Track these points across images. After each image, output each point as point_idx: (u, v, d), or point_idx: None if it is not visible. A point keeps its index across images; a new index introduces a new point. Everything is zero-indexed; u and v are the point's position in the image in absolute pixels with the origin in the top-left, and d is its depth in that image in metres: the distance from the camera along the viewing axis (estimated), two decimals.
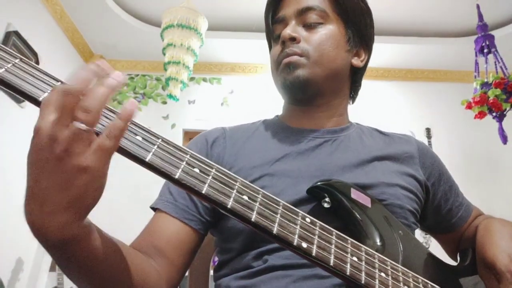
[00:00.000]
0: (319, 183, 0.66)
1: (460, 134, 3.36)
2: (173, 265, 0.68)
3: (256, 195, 0.49)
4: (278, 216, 0.49)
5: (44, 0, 2.86)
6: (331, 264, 0.49)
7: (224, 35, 3.34)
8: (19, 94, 0.43)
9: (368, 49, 0.89)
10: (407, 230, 0.69)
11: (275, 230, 0.47)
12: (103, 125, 0.43)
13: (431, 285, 0.60)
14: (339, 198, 0.65)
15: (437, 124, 3.40)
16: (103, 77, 0.43)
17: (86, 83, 0.42)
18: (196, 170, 0.47)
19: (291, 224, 0.49)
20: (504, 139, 2.53)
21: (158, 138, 0.47)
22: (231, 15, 3.25)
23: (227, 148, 0.79)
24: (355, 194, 0.66)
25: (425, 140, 3.29)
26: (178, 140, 3.39)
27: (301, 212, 0.52)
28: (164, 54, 2.65)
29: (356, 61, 0.86)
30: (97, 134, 0.42)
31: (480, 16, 2.64)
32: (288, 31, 0.80)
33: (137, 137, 0.45)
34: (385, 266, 0.55)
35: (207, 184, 0.46)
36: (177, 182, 0.45)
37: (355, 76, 0.88)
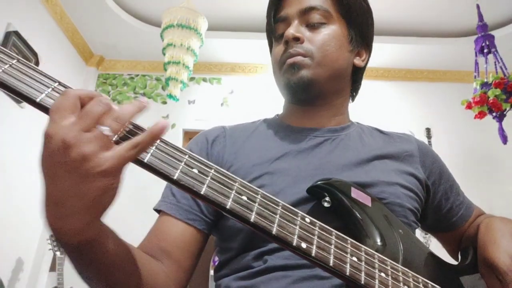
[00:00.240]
0: (319, 182, 0.66)
1: (460, 134, 3.36)
2: (181, 266, 0.69)
3: (255, 195, 0.49)
4: (277, 216, 0.49)
5: (44, 0, 2.86)
6: (331, 264, 0.49)
7: (224, 35, 3.34)
8: (16, 95, 0.43)
9: (369, 49, 0.89)
10: (407, 229, 0.69)
11: (274, 231, 0.47)
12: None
13: (431, 284, 0.60)
14: (339, 197, 0.65)
15: (437, 124, 3.39)
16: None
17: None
18: (195, 170, 0.46)
19: (290, 224, 0.49)
20: (504, 139, 2.53)
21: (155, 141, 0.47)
22: (231, 15, 3.24)
23: (227, 147, 0.79)
24: (355, 193, 0.66)
25: (425, 140, 3.29)
26: (178, 140, 3.39)
27: (300, 212, 0.52)
28: (164, 54, 2.65)
29: (358, 61, 0.86)
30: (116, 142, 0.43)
31: (480, 16, 2.64)
32: (291, 31, 0.79)
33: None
34: (385, 266, 0.55)
35: (205, 185, 0.46)
36: (176, 183, 0.45)
37: (356, 75, 0.88)
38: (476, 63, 2.66)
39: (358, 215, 0.65)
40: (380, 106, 3.40)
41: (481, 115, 2.53)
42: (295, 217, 0.51)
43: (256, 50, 3.36)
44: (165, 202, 0.74)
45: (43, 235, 2.82)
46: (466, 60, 3.17)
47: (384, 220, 0.66)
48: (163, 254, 0.68)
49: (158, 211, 0.75)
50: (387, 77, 3.62)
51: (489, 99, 2.43)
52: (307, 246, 0.49)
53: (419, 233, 0.78)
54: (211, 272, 0.94)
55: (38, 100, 0.43)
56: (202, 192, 0.45)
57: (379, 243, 0.62)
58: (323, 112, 0.83)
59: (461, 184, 0.90)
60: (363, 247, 0.55)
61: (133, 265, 0.57)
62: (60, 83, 0.45)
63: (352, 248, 0.53)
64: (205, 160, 0.49)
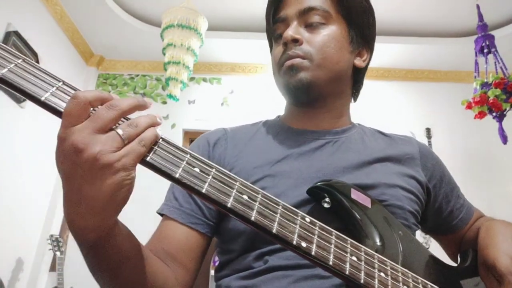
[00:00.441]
0: (319, 184, 0.66)
1: (460, 134, 3.36)
2: (187, 269, 0.70)
3: (256, 194, 0.49)
4: (278, 215, 0.49)
5: (44, 0, 2.86)
6: (330, 263, 0.49)
7: (224, 35, 3.34)
8: (22, 94, 0.44)
9: (370, 49, 0.88)
10: (407, 230, 0.69)
11: (274, 230, 0.47)
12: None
13: (430, 285, 0.60)
14: (339, 198, 0.65)
15: (437, 124, 3.40)
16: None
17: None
18: (197, 169, 0.47)
19: (290, 223, 0.49)
20: (504, 139, 2.53)
21: (159, 138, 0.47)
22: (231, 15, 3.25)
23: (228, 149, 0.78)
24: (355, 195, 0.66)
25: (425, 140, 3.29)
26: (178, 140, 3.39)
27: (300, 212, 0.52)
28: (164, 54, 2.65)
29: (359, 62, 0.84)
30: None
31: (480, 16, 2.65)
32: (290, 32, 0.78)
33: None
34: (384, 266, 0.55)
35: (207, 184, 0.46)
36: (178, 182, 0.45)
37: (357, 76, 0.87)
38: (476, 63, 2.66)
39: (357, 216, 0.65)
40: (380, 106, 3.40)
41: (481, 115, 2.53)
42: (295, 217, 0.51)
43: (256, 50, 3.36)
44: (167, 206, 0.75)
45: (43, 235, 2.82)
46: (466, 60, 3.18)
47: (383, 222, 0.66)
48: (168, 257, 0.68)
49: (161, 214, 0.76)
50: (387, 77, 3.62)
51: (489, 99, 2.43)
52: (307, 245, 0.49)
53: (418, 235, 0.78)
54: (212, 272, 0.94)
55: (42, 99, 0.43)
56: (203, 191, 0.46)
57: (378, 244, 0.62)
58: (324, 114, 0.83)
59: (460, 184, 0.90)
60: (363, 247, 0.55)
61: (145, 263, 0.58)
62: (64, 83, 0.46)
63: (352, 248, 0.53)
64: (207, 160, 0.49)
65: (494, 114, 2.50)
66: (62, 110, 0.43)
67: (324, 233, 0.52)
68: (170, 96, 2.72)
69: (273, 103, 2.84)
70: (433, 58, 3.47)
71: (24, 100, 2.58)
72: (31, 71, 0.45)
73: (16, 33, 2.51)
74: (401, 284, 0.55)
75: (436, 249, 0.90)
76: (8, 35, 2.45)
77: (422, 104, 3.52)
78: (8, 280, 2.50)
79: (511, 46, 3.02)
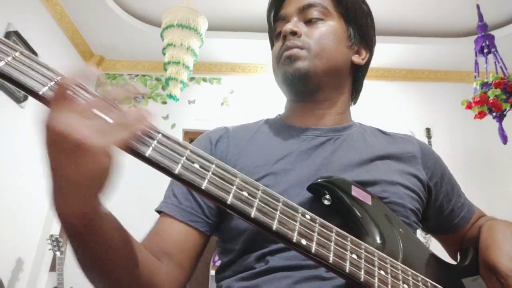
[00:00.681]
0: (319, 180, 0.66)
1: (460, 134, 3.36)
2: (181, 268, 0.69)
3: (256, 191, 0.49)
4: (278, 212, 0.49)
5: (44, 0, 2.86)
6: (330, 261, 0.49)
7: (224, 35, 3.34)
8: (19, 88, 0.43)
9: (369, 49, 0.89)
10: (407, 228, 0.69)
11: (274, 227, 0.47)
12: None
13: (430, 283, 0.60)
14: (340, 195, 0.65)
15: (437, 124, 3.40)
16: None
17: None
18: (196, 165, 0.46)
19: (290, 220, 0.49)
20: (504, 139, 2.53)
21: (158, 133, 0.47)
22: (231, 15, 3.25)
23: (230, 147, 0.79)
24: (355, 191, 0.66)
25: (425, 140, 3.29)
26: None
27: (301, 208, 0.52)
28: (164, 54, 2.65)
29: (357, 59, 0.85)
30: None
31: (480, 16, 2.65)
32: (289, 25, 0.80)
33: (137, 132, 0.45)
34: (384, 264, 0.55)
35: (206, 180, 0.46)
36: (177, 178, 0.45)
37: (356, 75, 0.88)
38: (476, 63, 2.66)
39: (358, 213, 0.64)
40: (380, 106, 3.40)
41: (481, 115, 2.53)
42: (295, 214, 0.51)
43: (256, 50, 3.36)
44: (166, 203, 0.74)
45: (43, 235, 2.82)
46: (466, 60, 3.17)
47: (384, 219, 0.66)
48: (164, 255, 0.67)
49: (159, 212, 0.75)
50: (387, 77, 3.62)
51: (489, 99, 2.43)
52: (307, 242, 0.49)
53: (419, 233, 0.78)
54: (212, 272, 0.94)
55: (41, 92, 0.43)
56: (203, 187, 0.45)
57: (378, 241, 0.62)
58: (323, 109, 0.83)
59: (461, 184, 0.90)
60: (363, 244, 0.55)
61: (136, 256, 0.57)
62: (63, 76, 0.46)
63: (352, 246, 0.53)
64: (207, 155, 0.49)
65: (494, 114, 2.50)
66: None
67: (324, 230, 0.52)
68: (170, 96, 2.72)
69: (273, 103, 2.84)
70: (433, 58, 3.47)
71: (24, 100, 2.58)
72: (29, 65, 0.44)
73: (16, 33, 2.52)
74: (401, 282, 0.55)
75: (436, 248, 0.90)
76: (8, 35, 2.46)
77: (422, 104, 3.52)
78: (8, 280, 2.50)
79: (511, 46, 3.02)
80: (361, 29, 0.86)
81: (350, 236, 0.54)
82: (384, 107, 3.44)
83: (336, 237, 0.52)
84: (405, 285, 0.55)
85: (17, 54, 0.44)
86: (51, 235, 2.60)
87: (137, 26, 3.27)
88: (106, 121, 0.43)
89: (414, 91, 3.58)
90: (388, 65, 3.56)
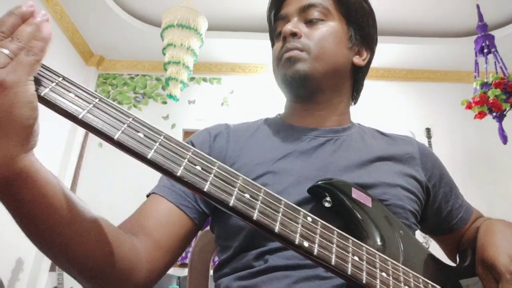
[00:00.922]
0: (320, 182, 0.66)
1: (460, 134, 3.36)
2: (158, 245, 0.65)
3: (258, 193, 0.49)
4: (280, 214, 0.49)
5: (44, 0, 2.86)
6: (333, 263, 0.49)
7: (224, 35, 3.35)
8: None
9: (370, 50, 0.88)
10: (407, 230, 0.69)
11: (276, 229, 0.47)
12: None
13: (431, 285, 0.60)
14: (340, 197, 0.65)
15: (437, 124, 3.40)
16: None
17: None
18: (198, 167, 0.46)
19: (292, 222, 0.49)
20: (504, 139, 2.53)
21: (160, 135, 0.46)
22: (231, 15, 3.25)
23: (230, 143, 0.78)
24: (356, 194, 0.66)
25: (425, 140, 3.29)
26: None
27: (303, 210, 0.52)
28: (164, 54, 2.65)
29: (358, 60, 0.85)
30: None
31: (480, 16, 2.65)
32: (289, 26, 0.79)
33: (139, 134, 0.45)
34: (386, 266, 0.55)
35: (209, 182, 0.46)
36: (179, 180, 0.45)
37: (357, 75, 0.88)
38: (476, 63, 2.66)
39: (358, 215, 0.64)
40: (381, 106, 3.41)
41: (481, 115, 2.53)
42: (297, 216, 0.50)
43: (256, 50, 3.37)
44: (158, 186, 0.73)
45: None
46: (466, 60, 3.18)
47: (384, 221, 0.66)
48: (141, 230, 0.64)
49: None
50: (387, 77, 3.63)
51: (489, 99, 2.44)
52: (309, 244, 0.48)
53: (418, 234, 0.78)
54: (211, 272, 0.94)
55: (42, 94, 0.43)
56: (205, 189, 0.45)
57: (379, 243, 0.62)
58: (323, 110, 0.83)
59: (461, 184, 0.90)
60: (365, 246, 0.55)
61: (86, 222, 0.52)
62: (64, 78, 0.45)
63: (354, 247, 0.53)
64: (209, 157, 0.48)
65: (494, 114, 2.50)
66: (61, 106, 0.43)
67: (326, 232, 0.52)
68: (170, 96, 2.72)
69: (273, 103, 2.85)
70: (433, 58, 3.48)
71: None
72: None
73: None
74: (402, 284, 0.55)
75: (436, 250, 0.90)
76: None
77: (422, 104, 3.52)
78: (8, 280, 2.50)
79: (511, 46, 3.02)
80: (363, 30, 0.85)
81: (351, 238, 0.54)
82: (384, 107, 3.45)
83: (337, 238, 0.52)
84: (406, 287, 0.55)
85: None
86: None
87: (137, 26, 3.27)
88: (6, 54, 0.41)
89: (414, 91, 3.59)
90: (388, 65, 3.56)
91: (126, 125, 0.45)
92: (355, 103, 0.92)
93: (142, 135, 0.45)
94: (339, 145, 0.79)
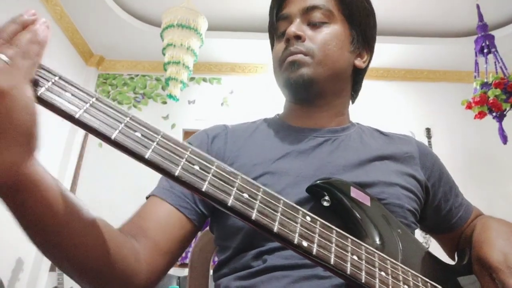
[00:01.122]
0: (318, 182, 0.66)
1: (460, 134, 3.36)
2: (158, 248, 0.65)
3: (257, 192, 0.49)
4: (279, 214, 0.49)
5: (44, 0, 2.86)
6: (332, 263, 0.49)
7: (224, 35, 3.35)
8: None
9: (371, 50, 0.88)
10: (406, 229, 0.69)
11: (275, 229, 0.47)
12: None
13: (430, 283, 0.60)
14: (339, 196, 0.65)
15: (437, 124, 3.40)
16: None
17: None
18: (196, 167, 0.46)
19: (291, 222, 0.49)
20: (504, 139, 2.53)
21: (158, 134, 0.46)
22: (231, 15, 3.25)
23: (228, 144, 0.78)
24: (354, 193, 0.66)
25: (425, 140, 3.29)
26: None
27: (301, 210, 0.52)
28: (164, 54, 2.65)
29: (359, 62, 0.85)
30: None
31: (480, 16, 2.65)
32: (293, 29, 0.78)
33: (136, 133, 0.45)
34: (385, 265, 0.55)
35: (207, 182, 0.46)
36: (177, 180, 0.45)
37: (357, 76, 0.88)
38: (476, 63, 2.66)
39: (357, 214, 0.64)
40: (380, 106, 3.41)
41: (481, 115, 2.53)
42: (296, 215, 0.50)
43: (256, 50, 3.37)
44: (158, 188, 0.73)
45: None
46: (466, 60, 3.18)
47: (383, 220, 0.66)
48: (141, 232, 0.65)
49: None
50: (387, 77, 3.63)
51: (489, 99, 2.44)
52: (308, 244, 0.48)
53: (418, 234, 0.78)
54: (211, 272, 0.94)
55: (38, 94, 0.43)
56: (203, 189, 0.45)
57: (378, 242, 0.62)
58: (323, 112, 0.83)
59: (461, 184, 0.90)
60: (364, 245, 0.55)
61: (88, 226, 0.53)
62: (61, 77, 0.45)
63: (353, 247, 0.53)
64: (207, 156, 0.48)
65: (494, 114, 2.50)
66: (59, 106, 0.43)
67: (325, 232, 0.52)
68: (170, 96, 2.72)
69: (273, 103, 2.84)
70: (433, 58, 3.48)
71: None
72: None
73: None
74: (401, 283, 0.55)
75: (436, 249, 0.90)
76: None
77: (422, 104, 3.52)
78: (8, 280, 2.50)
79: (511, 46, 3.02)
80: (365, 32, 0.85)
81: (350, 237, 0.54)
82: (384, 107, 3.45)
83: (336, 238, 0.52)
84: (405, 286, 0.55)
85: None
86: None
87: (137, 26, 3.28)
88: (5, 60, 0.41)
89: (414, 91, 3.59)
90: (388, 65, 3.56)
91: (123, 124, 0.45)
92: (353, 102, 0.92)
93: (139, 135, 0.45)
94: (337, 145, 0.79)
